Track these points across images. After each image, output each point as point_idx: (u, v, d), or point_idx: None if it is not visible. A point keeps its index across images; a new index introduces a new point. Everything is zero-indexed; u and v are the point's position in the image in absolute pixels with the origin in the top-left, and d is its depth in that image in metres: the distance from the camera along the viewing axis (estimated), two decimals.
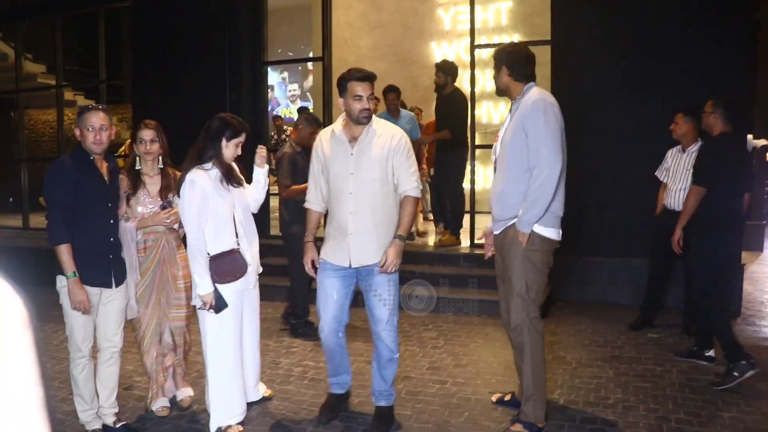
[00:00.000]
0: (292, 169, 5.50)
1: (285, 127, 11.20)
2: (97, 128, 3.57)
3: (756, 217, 8.55)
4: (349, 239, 3.70)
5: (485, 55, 10.22)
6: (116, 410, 3.92)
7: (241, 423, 3.91)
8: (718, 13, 6.16)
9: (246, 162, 4.04)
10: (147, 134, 3.94)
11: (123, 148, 11.62)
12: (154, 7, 8.56)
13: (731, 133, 4.57)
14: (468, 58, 10.24)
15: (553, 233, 3.64)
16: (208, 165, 3.73)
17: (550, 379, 4.45)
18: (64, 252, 3.49)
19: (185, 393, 4.23)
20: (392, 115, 7.43)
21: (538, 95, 3.57)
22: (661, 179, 5.52)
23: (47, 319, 6.36)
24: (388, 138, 3.71)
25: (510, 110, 3.78)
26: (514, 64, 3.68)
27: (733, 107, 4.59)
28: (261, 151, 3.99)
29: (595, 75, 6.56)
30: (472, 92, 7.35)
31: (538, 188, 3.47)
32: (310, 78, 15.44)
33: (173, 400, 4.25)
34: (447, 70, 7.15)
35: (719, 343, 4.56)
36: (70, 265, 3.50)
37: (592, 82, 6.55)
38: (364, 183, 3.67)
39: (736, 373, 4.29)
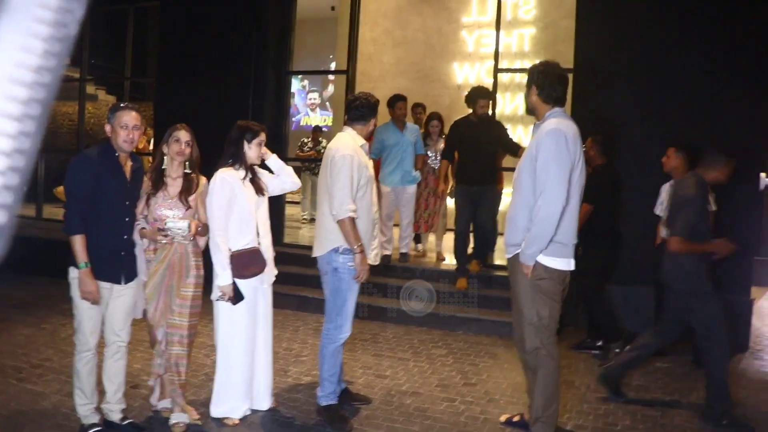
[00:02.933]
0: None
1: (321, 138, 11.28)
2: (130, 127, 3.64)
3: (765, 252, 8.54)
4: (377, 239, 4.24)
5: (506, 78, 10.39)
6: (123, 406, 3.91)
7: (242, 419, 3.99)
8: (740, 46, 6.18)
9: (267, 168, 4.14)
10: (184, 135, 3.89)
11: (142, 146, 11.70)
12: (183, 8, 8.63)
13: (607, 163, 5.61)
14: (489, 81, 10.41)
15: (560, 263, 3.57)
16: (237, 166, 3.93)
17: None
18: (78, 242, 3.51)
19: (180, 418, 3.95)
20: (398, 126, 7.13)
21: (554, 125, 3.47)
22: (659, 213, 5.57)
23: (56, 311, 6.38)
24: None
25: (532, 132, 3.76)
26: (544, 84, 3.59)
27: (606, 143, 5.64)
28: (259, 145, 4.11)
29: (617, 103, 6.58)
30: (493, 114, 7.38)
31: (538, 223, 3.42)
32: (330, 87, 15.43)
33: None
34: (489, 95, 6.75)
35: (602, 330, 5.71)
36: (83, 256, 3.52)
37: (615, 110, 6.57)
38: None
39: (617, 350, 5.27)
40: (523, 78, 10.66)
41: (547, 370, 3.64)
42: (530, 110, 3.76)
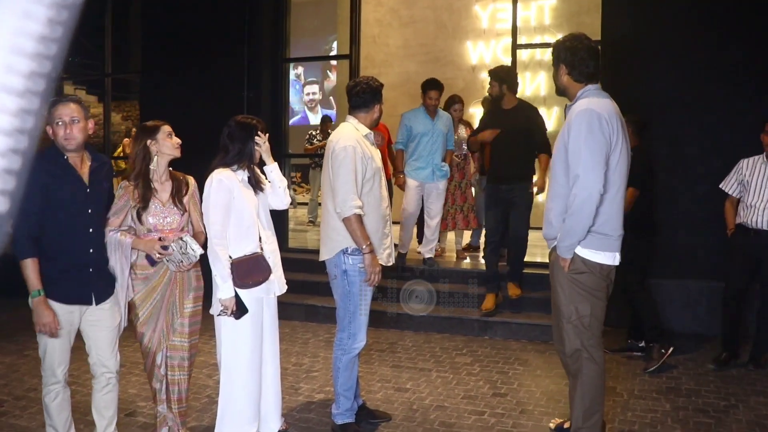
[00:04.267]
0: None
1: (331, 130, 11.21)
2: (67, 121, 3.39)
3: None
4: (390, 238, 4.26)
5: (525, 56, 10.33)
6: None
7: None
8: None
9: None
10: (168, 128, 3.85)
11: (120, 148, 11.73)
12: None
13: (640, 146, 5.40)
14: (507, 60, 10.35)
15: (602, 257, 3.53)
16: (235, 167, 3.83)
17: None
18: (29, 267, 3.32)
19: None
20: (429, 114, 6.94)
21: (585, 105, 3.44)
22: (731, 193, 5.44)
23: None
24: None
25: (564, 116, 3.71)
26: (574, 61, 3.54)
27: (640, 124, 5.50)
28: (263, 143, 3.93)
29: (651, 80, 6.52)
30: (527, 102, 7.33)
31: (574, 213, 3.40)
32: (332, 76, 14.83)
33: None
34: (501, 76, 6.22)
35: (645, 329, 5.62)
36: (35, 283, 3.33)
37: (648, 87, 6.51)
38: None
39: (663, 350, 5.35)
40: (544, 54, 10.71)
41: (588, 375, 3.60)
42: (561, 91, 3.71)
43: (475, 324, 6.42)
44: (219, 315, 3.78)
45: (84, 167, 3.55)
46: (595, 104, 3.43)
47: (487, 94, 6.68)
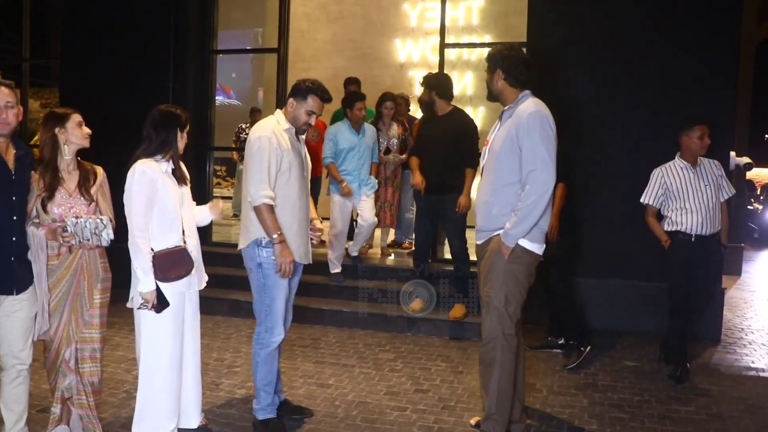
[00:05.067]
0: None
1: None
2: (2, 106, 3.38)
3: (734, 239, 8.77)
4: (306, 236, 4.20)
5: (453, 56, 10.40)
6: None
7: None
8: (702, 24, 6.30)
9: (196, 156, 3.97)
10: (79, 117, 3.72)
11: (38, 136, 11.26)
12: None
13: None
14: (435, 59, 10.40)
15: (536, 247, 3.78)
16: (159, 157, 3.71)
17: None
18: None
19: None
20: (355, 128, 6.75)
21: (534, 107, 3.70)
22: (655, 204, 5.34)
23: None
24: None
25: (500, 117, 3.91)
26: (510, 68, 3.78)
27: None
28: (218, 205, 4.16)
29: (575, 80, 6.63)
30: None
31: (530, 205, 3.61)
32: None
33: None
34: (432, 83, 6.13)
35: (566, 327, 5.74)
36: None
37: (572, 88, 6.62)
38: (308, 183, 4.24)
39: (582, 348, 5.51)
40: (471, 54, 10.79)
41: (503, 362, 3.75)
42: (494, 96, 3.94)
43: (399, 321, 6.41)
44: (139, 308, 3.67)
45: (9, 155, 3.48)
46: (541, 106, 3.72)
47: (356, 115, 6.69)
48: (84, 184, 3.71)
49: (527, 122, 3.63)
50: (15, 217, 3.51)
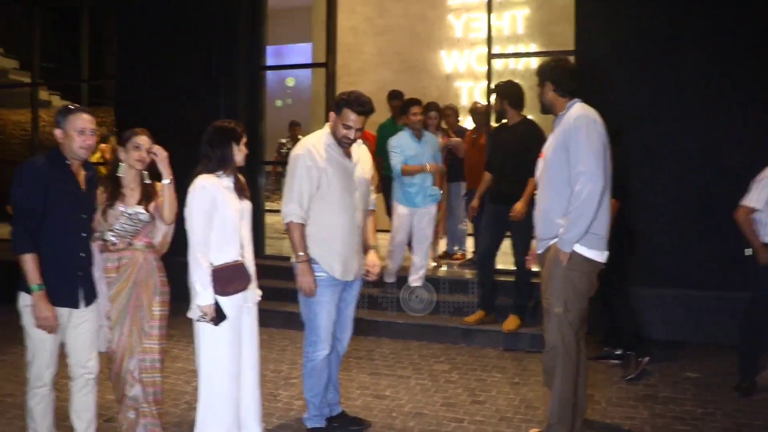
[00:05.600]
0: None
1: (300, 134, 11.06)
2: (87, 132, 3.54)
3: None
4: (356, 253, 4.17)
5: (499, 65, 10.36)
6: None
7: None
8: (753, 27, 6.17)
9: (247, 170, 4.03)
10: (145, 141, 3.84)
11: (98, 154, 11.54)
12: (144, 2, 8.52)
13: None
14: (481, 69, 10.39)
15: (596, 255, 3.77)
16: (220, 173, 3.76)
17: None
18: (29, 262, 3.38)
19: None
20: (416, 135, 6.64)
21: (580, 111, 3.77)
22: (759, 208, 4.84)
23: (15, 341, 6.12)
24: (366, 155, 4.31)
25: (552, 127, 3.97)
26: (559, 78, 3.89)
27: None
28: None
29: (624, 88, 6.54)
30: (489, 104, 7.34)
31: (579, 206, 3.62)
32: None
33: None
34: (503, 92, 6.03)
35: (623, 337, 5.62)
36: (35, 277, 3.38)
37: (622, 95, 6.53)
38: (363, 198, 4.21)
39: (640, 359, 5.38)
40: (518, 63, 10.73)
41: (565, 370, 3.77)
42: (547, 108, 4.01)
43: (453, 332, 6.39)
44: (198, 320, 3.72)
45: (80, 175, 3.64)
46: (588, 110, 3.80)
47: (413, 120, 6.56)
48: (142, 203, 3.85)
49: (573, 125, 3.70)
50: (84, 234, 3.66)
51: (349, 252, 4.12)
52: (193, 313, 3.72)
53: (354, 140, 4.08)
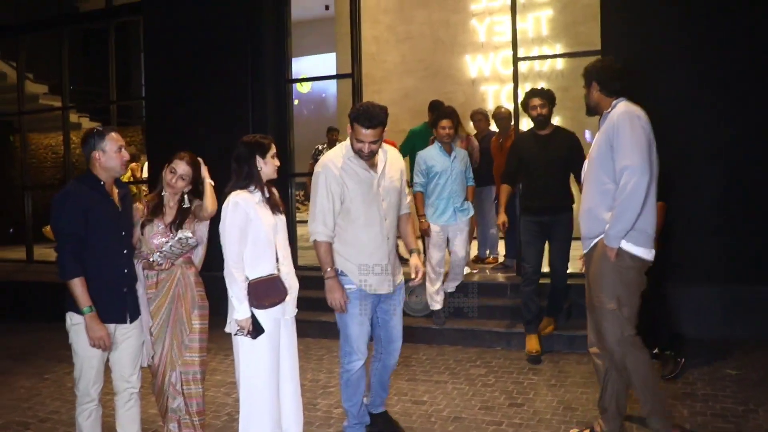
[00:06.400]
0: None
1: (338, 139, 11.08)
2: (123, 148, 3.72)
3: None
4: (389, 264, 4.14)
5: (524, 68, 10.37)
6: None
7: None
8: None
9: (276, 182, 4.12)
10: (180, 167, 4.00)
11: (129, 173, 11.77)
12: (167, 20, 8.68)
13: None
14: (506, 72, 10.42)
15: (643, 252, 3.80)
16: (252, 188, 3.84)
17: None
18: (78, 286, 3.48)
19: None
20: (445, 149, 6.45)
21: (624, 108, 3.83)
22: None
23: (57, 359, 6.41)
24: (396, 160, 4.28)
25: (598, 127, 4.03)
26: (604, 79, 3.96)
27: None
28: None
29: (652, 87, 6.52)
30: (516, 108, 7.38)
31: (625, 200, 3.65)
32: None
33: None
34: (552, 97, 5.99)
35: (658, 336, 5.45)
36: (86, 300, 3.49)
37: (650, 95, 6.49)
38: (391, 208, 4.19)
39: (679, 359, 5.35)
40: (543, 65, 10.71)
41: (638, 360, 3.82)
42: (592, 109, 4.10)
43: (487, 335, 6.43)
44: (236, 335, 3.81)
45: (114, 194, 3.76)
46: (632, 107, 3.85)
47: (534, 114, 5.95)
48: (176, 222, 4.00)
49: (617, 122, 3.75)
50: (125, 251, 3.78)
51: (380, 264, 4.12)
52: (230, 328, 3.80)
53: (370, 154, 4.02)
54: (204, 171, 4.12)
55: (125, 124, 13.56)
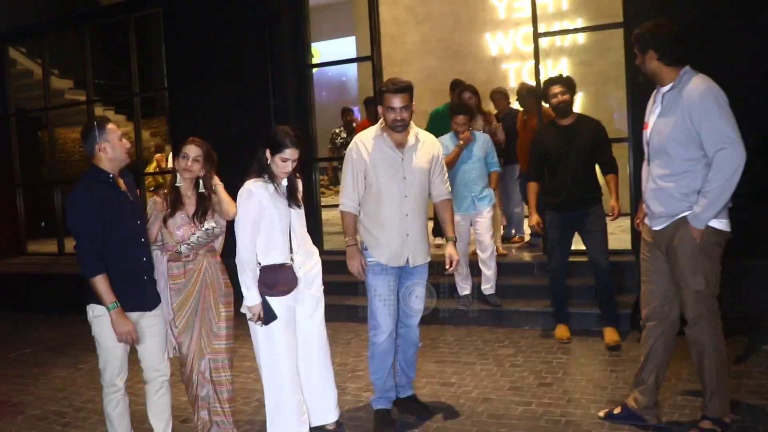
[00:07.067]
0: None
1: (353, 121, 11.06)
2: (123, 138, 3.74)
3: None
4: (408, 240, 4.21)
5: (545, 43, 10.25)
6: None
7: None
8: None
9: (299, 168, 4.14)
10: (191, 150, 3.97)
11: (154, 163, 11.87)
12: (187, 11, 8.71)
13: None
14: (527, 49, 10.30)
15: (725, 225, 3.73)
16: (266, 177, 3.92)
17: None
18: (102, 283, 3.51)
19: None
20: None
21: (704, 85, 3.61)
22: None
23: (91, 350, 6.43)
24: (431, 146, 4.33)
25: (660, 99, 3.81)
26: (663, 46, 3.69)
27: None
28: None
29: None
30: (537, 83, 7.29)
31: (722, 185, 3.54)
32: None
33: None
34: (573, 85, 5.75)
35: None
36: (110, 296, 3.52)
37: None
38: (414, 187, 4.21)
39: None
40: (564, 40, 10.56)
41: (713, 338, 3.77)
42: (647, 78, 3.86)
43: (515, 315, 6.41)
44: (249, 320, 3.92)
45: (121, 184, 3.77)
46: (710, 82, 3.64)
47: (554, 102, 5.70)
48: (201, 214, 4.01)
49: (701, 103, 3.55)
50: (142, 239, 3.83)
51: (396, 239, 4.20)
52: (244, 309, 3.92)
53: (404, 121, 4.09)
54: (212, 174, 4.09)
55: (149, 116, 13.62)
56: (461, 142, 6.20)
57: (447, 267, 4.32)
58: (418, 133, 4.27)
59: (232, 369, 4.16)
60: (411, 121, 4.22)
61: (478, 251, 6.52)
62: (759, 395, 4.41)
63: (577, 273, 6.41)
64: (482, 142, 6.45)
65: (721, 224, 3.69)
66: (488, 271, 6.49)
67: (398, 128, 4.12)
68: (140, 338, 3.75)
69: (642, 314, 4.10)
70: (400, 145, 4.19)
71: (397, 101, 4.03)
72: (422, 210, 4.30)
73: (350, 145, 4.30)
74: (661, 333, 3.97)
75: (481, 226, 6.41)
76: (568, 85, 5.65)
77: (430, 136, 4.41)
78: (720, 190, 3.55)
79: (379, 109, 4.18)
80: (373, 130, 4.26)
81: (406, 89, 4.06)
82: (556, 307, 6.02)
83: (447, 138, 6.36)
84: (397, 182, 4.17)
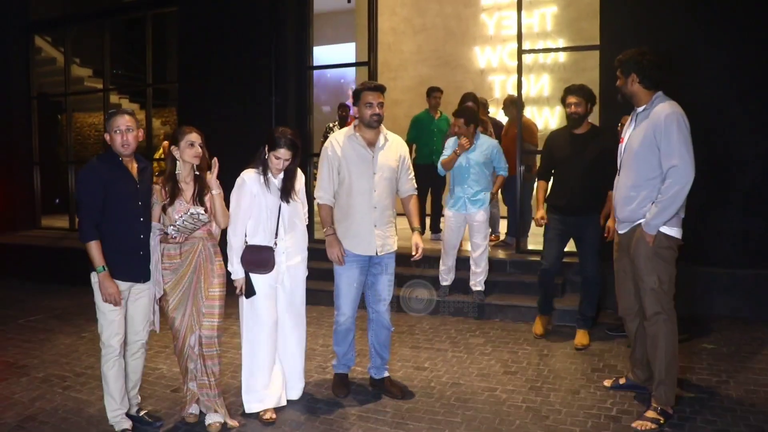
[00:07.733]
0: None
1: (348, 116, 11.02)
2: (123, 131, 3.76)
3: None
4: (375, 231, 4.31)
5: (529, 60, 10.30)
6: (139, 401, 4.20)
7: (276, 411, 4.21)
8: None
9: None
10: (196, 137, 3.94)
11: (161, 150, 11.83)
12: (200, 10, 8.71)
13: None
14: (512, 63, 10.32)
15: (676, 232, 3.92)
16: (260, 169, 4.07)
17: (596, 388, 4.48)
18: (94, 248, 3.71)
19: (215, 418, 4.04)
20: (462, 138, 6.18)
21: (669, 109, 3.80)
22: None
23: (94, 319, 6.41)
24: (398, 146, 4.46)
25: (634, 117, 4.04)
26: (644, 71, 3.90)
27: None
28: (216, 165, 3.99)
29: None
30: (519, 96, 7.32)
31: (671, 197, 3.75)
32: None
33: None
34: (590, 94, 5.38)
35: None
36: (100, 260, 3.71)
37: None
38: (382, 182, 4.32)
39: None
40: (546, 57, 10.62)
41: (667, 333, 3.92)
42: (626, 98, 4.06)
43: (488, 308, 6.43)
44: (237, 293, 4.11)
45: (133, 168, 3.88)
46: (675, 107, 3.82)
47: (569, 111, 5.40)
48: (199, 195, 4.00)
49: (664, 123, 3.75)
50: (141, 219, 3.92)
51: (364, 229, 4.31)
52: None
53: (380, 116, 4.24)
54: (213, 178, 3.97)
55: (161, 106, 13.58)
56: (457, 149, 6.17)
57: (413, 254, 4.41)
58: (386, 134, 4.40)
59: (220, 345, 4.14)
60: (381, 124, 4.34)
61: (470, 250, 6.49)
62: (699, 389, 4.47)
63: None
64: (485, 148, 6.28)
65: (672, 231, 3.89)
66: (477, 269, 6.46)
67: (374, 123, 4.25)
68: (126, 304, 3.89)
69: (618, 309, 4.41)
70: (371, 144, 4.32)
71: (374, 98, 4.20)
72: (389, 203, 4.40)
73: (326, 143, 4.41)
74: (639, 322, 4.21)
75: (473, 228, 6.34)
76: (584, 95, 5.30)
77: (398, 138, 4.52)
78: (669, 202, 3.75)
79: (355, 110, 4.33)
80: (346, 130, 4.41)
81: (381, 88, 4.28)
82: (541, 300, 5.85)
83: (452, 141, 6.39)
84: (367, 178, 4.29)
